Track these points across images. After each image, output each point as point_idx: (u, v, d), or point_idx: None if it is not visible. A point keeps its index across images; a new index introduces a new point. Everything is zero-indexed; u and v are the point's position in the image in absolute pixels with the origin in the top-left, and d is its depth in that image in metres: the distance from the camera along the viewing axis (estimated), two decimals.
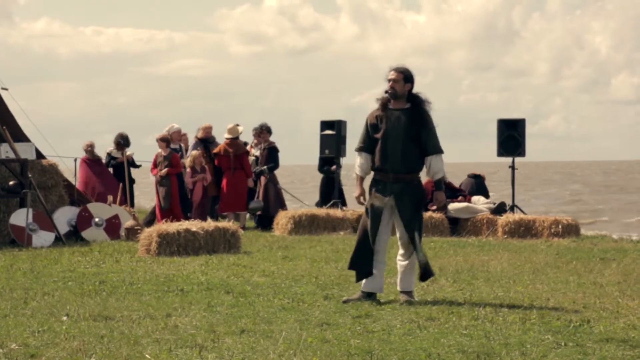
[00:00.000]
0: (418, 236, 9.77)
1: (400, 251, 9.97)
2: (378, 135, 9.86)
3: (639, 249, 15.81)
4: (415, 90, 9.92)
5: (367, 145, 9.96)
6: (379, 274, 9.89)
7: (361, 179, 10.08)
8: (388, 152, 9.79)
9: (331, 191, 21.29)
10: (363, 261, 9.86)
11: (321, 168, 21.88)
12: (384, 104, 9.90)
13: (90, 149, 21.34)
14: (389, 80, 9.85)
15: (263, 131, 21.45)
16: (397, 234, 9.94)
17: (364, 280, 9.87)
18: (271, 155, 21.19)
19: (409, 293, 9.86)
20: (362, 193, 10.01)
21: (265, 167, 21.01)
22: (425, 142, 9.76)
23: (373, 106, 10.02)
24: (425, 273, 9.87)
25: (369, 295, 9.80)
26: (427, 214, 19.24)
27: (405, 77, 9.82)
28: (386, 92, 9.86)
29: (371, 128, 9.94)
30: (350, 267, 10.06)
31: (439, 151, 9.84)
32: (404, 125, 9.75)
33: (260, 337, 7.70)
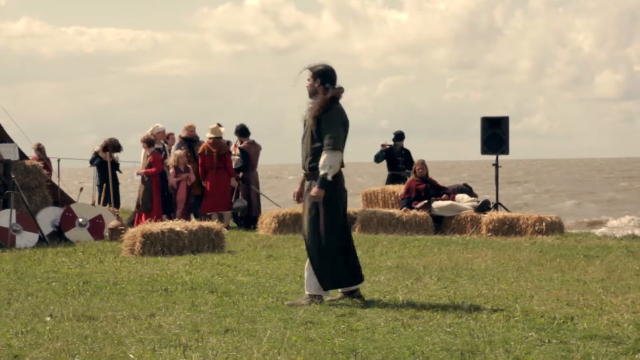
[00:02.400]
0: (315, 233, 9.51)
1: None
2: None
3: (622, 246, 15.86)
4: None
5: None
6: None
7: (303, 180, 9.92)
8: (300, 152, 9.78)
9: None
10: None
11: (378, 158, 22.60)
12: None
13: (39, 150, 21.37)
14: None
15: (236, 133, 21.57)
16: None
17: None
18: (241, 156, 21.25)
19: (312, 297, 9.57)
20: (297, 193, 9.98)
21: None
22: (323, 138, 9.44)
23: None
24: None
25: (351, 294, 9.71)
26: (411, 212, 19.30)
27: (313, 74, 9.65)
28: (310, 95, 9.77)
29: None
30: None
31: (332, 147, 9.36)
32: (310, 123, 9.60)
33: (245, 336, 7.69)
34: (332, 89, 9.58)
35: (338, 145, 9.41)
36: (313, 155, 9.53)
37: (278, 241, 17.08)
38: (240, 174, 21.05)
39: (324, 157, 9.37)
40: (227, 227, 19.19)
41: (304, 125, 9.74)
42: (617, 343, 7.45)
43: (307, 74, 9.69)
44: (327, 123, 9.43)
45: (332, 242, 9.51)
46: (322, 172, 9.39)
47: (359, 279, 9.75)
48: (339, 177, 9.58)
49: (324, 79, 9.62)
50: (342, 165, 9.61)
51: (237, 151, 21.55)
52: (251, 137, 21.67)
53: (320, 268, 9.52)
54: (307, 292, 9.57)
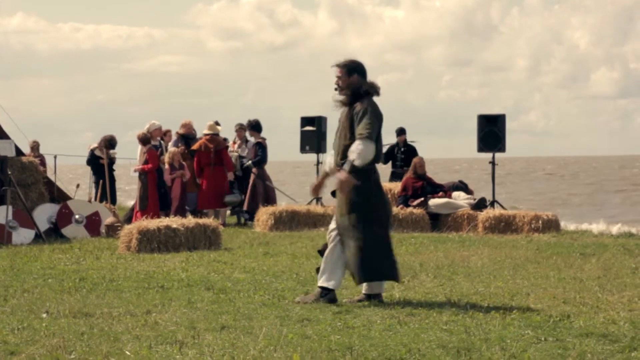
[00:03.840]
0: (349, 235, 9.29)
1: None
2: None
3: (618, 244, 15.88)
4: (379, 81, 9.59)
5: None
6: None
7: (324, 173, 9.83)
8: (333, 147, 9.61)
9: None
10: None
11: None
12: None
13: (34, 147, 21.42)
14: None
15: (241, 128, 21.71)
16: None
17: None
18: (258, 150, 21.31)
19: (325, 290, 9.45)
20: (315, 186, 9.90)
21: (250, 162, 21.18)
22: (355, 129, 9.25)
23: None
24: (361, 276, 9.34)
25: (372, 297, 9.51)
26: (407, 210, 19.30)
27: (347, 70, 9.51)
28: (335, 88, 9.62)
29: None
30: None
31: (364, 137, 9.13)
32: (343, 118, 9.46)
33: (241, 333, 7.69)
34: (366, 82, 9.48)
35: (372, 135, 9.20)
36: (345, 150, 9.31)
37: (274, 238, 17.08)
38: (255, 170, 21.14)
39: (355, 145, 9.17)
40: (224, 224, 19.20)
41: (340, 120, 9.61)
42: (613, 341, 7.45)
43: (337, 71, 9.56)
44: (359, 116, 9.27)
45: (374, 235, 9.37)
46: (349, 158, 9.18)
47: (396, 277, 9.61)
48: (373, 174, 9.46)
49: (360, 75, 9.51)
50: (376, 160, 9.43)
51: (235, 147, 21.59)
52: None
53: (364, 259, 9.28)
54: (323, 285, 9.41)
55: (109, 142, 20.93)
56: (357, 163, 9.16)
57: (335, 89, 9.61)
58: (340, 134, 9.48)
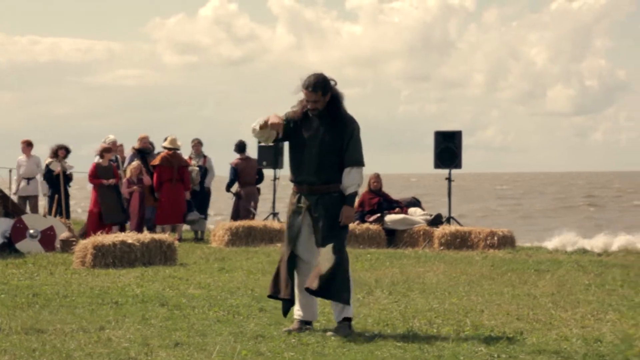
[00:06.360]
0: (335, 253, 8.65)
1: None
2: (292, 144, 8.94)
3: (572, 261, 15.99)
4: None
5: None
6: (311, 300, 8.87)
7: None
8: (302, 162, 8.81)
9: None
10: (276, 289, 8.94)
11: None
12: (304, 112, 8.84)
13: None
14: (308, 101, 8.75)
15: (198, 143, 21.76)
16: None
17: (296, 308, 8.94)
18: (230, 172, 21.59)
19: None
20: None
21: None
22: (345, 152, 8.70)
23: None
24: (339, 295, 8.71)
25: (306, 323, 8.88)
26: (363, 226, 19.34)
27: (323, 92, 8.69)
28: (310, 112, 8.78)
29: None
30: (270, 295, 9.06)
31: (359, 164, 8.74)
32: (321, 133, 8.74)
33: (195, 350, 7.66)
34: (339, 93, 8.82)
35: (362, 160, 8.80)
36: (329, 167, 8.71)
37: (230, 254, 17.04)
38: (237, 190, 21.34)
39: (350, 174, 8.70)
40: (180, 240, 19.13)
41: (306, 135, 8.79)
42: (566, 358, 7.51)
43: (312, 95, 8.71)
44: (349, 136, 8.73)
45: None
46: (349, 191, 8.72)
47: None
48: None
49: (330, 90, 8.76)
50: None
51: (192, 163, 21.51)
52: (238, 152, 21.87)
53: (346, 281, 8.82)
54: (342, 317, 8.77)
55: (63, 148, 20.84)
56: (355, 192, 8.85)
57: (310, 113, 8.81)
58: (319, 149, 8.73)
